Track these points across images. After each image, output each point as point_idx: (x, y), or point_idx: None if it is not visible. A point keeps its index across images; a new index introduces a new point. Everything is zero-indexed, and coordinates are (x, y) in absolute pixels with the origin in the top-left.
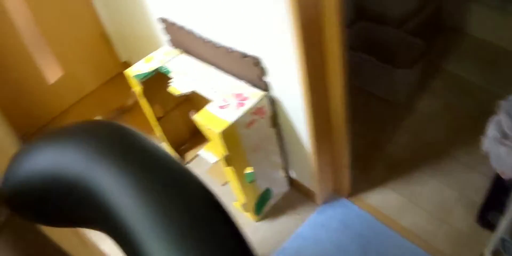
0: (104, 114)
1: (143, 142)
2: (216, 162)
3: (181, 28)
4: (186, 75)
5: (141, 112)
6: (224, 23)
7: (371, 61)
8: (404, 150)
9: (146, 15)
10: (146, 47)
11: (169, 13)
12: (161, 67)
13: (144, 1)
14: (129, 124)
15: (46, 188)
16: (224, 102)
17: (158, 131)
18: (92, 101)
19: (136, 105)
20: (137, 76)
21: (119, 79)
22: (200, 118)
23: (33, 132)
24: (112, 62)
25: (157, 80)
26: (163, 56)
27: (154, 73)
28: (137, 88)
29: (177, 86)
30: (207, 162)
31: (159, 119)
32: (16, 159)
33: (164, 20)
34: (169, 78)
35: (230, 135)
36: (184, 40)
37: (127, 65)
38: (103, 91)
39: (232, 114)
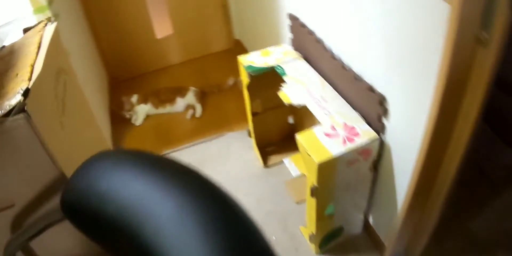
0: (198, 86)
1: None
2: (298, 176)
3: (308, 33)
4: (300, 84)
5: (236, 97)
6: (360, 45)
7: (488, 132)
8: (490, 231)
9: (276, 5)
10: (265, 37)
11: (301, 12)
12: (277, 67)
13: None
14: (220, 105)
15: (99, 211)
16: (333, 131)
17: (249, 125)
18: (191, 68)
19: (234, 88)
20: (249, 67)
21: (226, 55)
22: (303, 139)
23: (123, 79)
24: (225, 36)
25: (266, 76)
26: (281, 54)
27: (267, 70)
28: (244, 78)
29: (289, 94)
30: (288, 173)
31: (255, 114)
32: (82, 171)
33: (292, 17)
34: (279, 77)
35: (327, 169)
36: (307, 46)
37: (239, 44)
38: (207, 62)
39: (337, 148)
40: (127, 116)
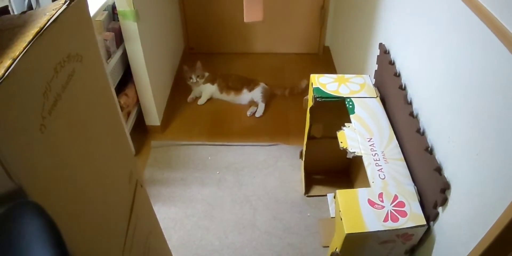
0: (269, 82)
1: None
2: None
3: (394, 73)
4: (365, 129)
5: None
6: (446, 116)
7: None
8: None
9: (372, 28)
10: (352, 56)
11: (394, 46)
12: (348, 100)
13: (380, 12)
14: (284, 111)
15: None
16: (379, 199)
17: (304, 146)
18: (269, 62)
19: (306, 93)
20: (318, 91)
21: (309, 59)
22: (342, 197)
23: (198, 51)
24: (314, 39)
25: (335, 104)
26: (358, 86)
27: (336, 100)
28: (310, 99)
29: (349, 138)
30: (327, 210)
31: (312, 138)
32: None
33: (383, 49)
34: (346, 109)
35: (356, 241)
36: (388, 87)
37: (327, 51)
38: (287, 60)
39: (376, 223)
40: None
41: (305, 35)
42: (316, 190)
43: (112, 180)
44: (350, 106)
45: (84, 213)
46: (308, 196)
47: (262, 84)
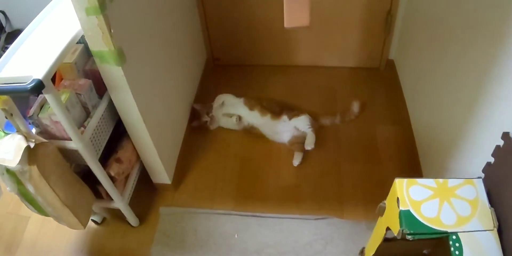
0: (313, 103)
1: None
2: None
3: None
4: None
5: (363, 142)
6: None
7: None
8: None
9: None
10: (425, 76)
11: None
12: (452, 237)
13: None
14: (332, 155)
15: None
16: None
17: (372, 250)
18: (315, 77)
19: (361, 119)
20: (409, 220)
21: (368, 74)
22: None
23: (225, 63)
24: (375, 51)
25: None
26: (467, 206)
27: (436, 235)
28: (395, 226)
29: None
30: None
31: (386, 240)
32: None
33: (509, 140)
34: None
35: None
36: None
37: (390, 65)
38: (339, 75)
39: None
40: (205, 120)
41: (362, 45)
42: None
43: None
44: (456, 250)
45: None
46: None
47: (306, 115)
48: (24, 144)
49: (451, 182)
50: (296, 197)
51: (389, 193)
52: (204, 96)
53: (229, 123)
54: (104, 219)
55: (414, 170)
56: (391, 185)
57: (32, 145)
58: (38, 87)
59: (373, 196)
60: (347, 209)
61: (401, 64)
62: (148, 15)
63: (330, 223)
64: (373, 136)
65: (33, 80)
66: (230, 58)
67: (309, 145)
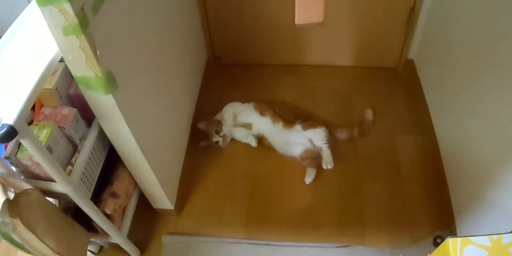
0: (327, 111)
1: None
2: None
3: None
4: None
5: (386, 158)
6: None
7: None
8: None
9: None
10: (453, 80)
11: None
12: None
13: None
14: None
15: None
16: None
17: None
18: (327, 79)
19: (372, 128)
20: None
21: (385, 75)
22: None
23: (227, 62)
24: (394, 49)
25: None
26: None
27: None
28: None
29: None
30: None
31: None
32: None
33: None
34: None
35: None
36: None
37: (410, 66)
38: (354, 75)
39: None
40: (216, 140)
41: (380, 43)
42: None
43: None
44: None
45: None
46: None
47: (324, 127)
48: (1, 198)
49: (506, 238)
50: (313, 220)
51: (436, 252)
52: (206, 104)
53: (243, 135)
54: (101, 248)
55: (440, 191)
56: (415, 208)
57: (12, 195)
58: (10, 134)
59: (397, 219)
60: (370, 234)
61: (423, 65)
62: (141, 23)
63: (353, 252)
64: (393, 148)
65: (3, 125)
66: (233, 57)
67: (328, 163)
